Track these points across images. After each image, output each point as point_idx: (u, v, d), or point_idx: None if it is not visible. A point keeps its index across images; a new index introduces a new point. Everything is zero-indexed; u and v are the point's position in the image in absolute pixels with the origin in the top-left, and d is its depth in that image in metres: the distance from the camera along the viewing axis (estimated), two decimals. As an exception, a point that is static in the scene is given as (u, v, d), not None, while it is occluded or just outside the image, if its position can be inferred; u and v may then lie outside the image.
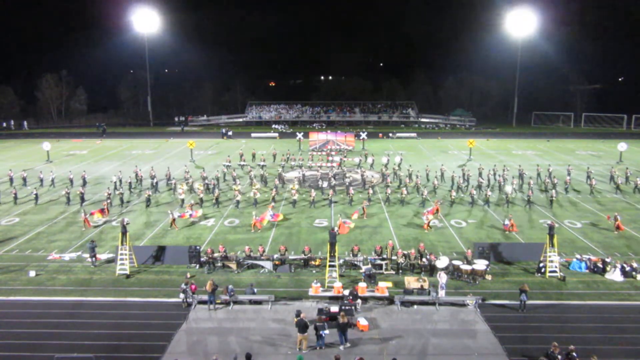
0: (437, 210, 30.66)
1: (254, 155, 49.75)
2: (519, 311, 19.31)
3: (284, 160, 48.39)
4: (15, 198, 35.10)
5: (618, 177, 39.00)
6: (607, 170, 42.13)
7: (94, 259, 23.94)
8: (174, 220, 29.57)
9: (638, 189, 37.27)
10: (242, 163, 47.05)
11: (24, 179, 40.58)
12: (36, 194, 35.33)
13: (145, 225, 30.18)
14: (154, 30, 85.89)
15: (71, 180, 39.42)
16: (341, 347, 16.82)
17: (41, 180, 40.15)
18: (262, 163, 47.08)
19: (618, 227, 28.58)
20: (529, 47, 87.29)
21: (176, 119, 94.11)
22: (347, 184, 37.72)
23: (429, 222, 29.23)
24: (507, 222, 29.06)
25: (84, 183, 39.35)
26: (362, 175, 41.26)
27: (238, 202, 34.02)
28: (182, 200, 34.28)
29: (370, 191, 35.40)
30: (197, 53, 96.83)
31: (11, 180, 40.25)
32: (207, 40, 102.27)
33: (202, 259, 23.75)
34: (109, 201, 33.10)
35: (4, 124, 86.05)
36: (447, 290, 20.31)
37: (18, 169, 43.82)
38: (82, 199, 34.94)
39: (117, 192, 35.79)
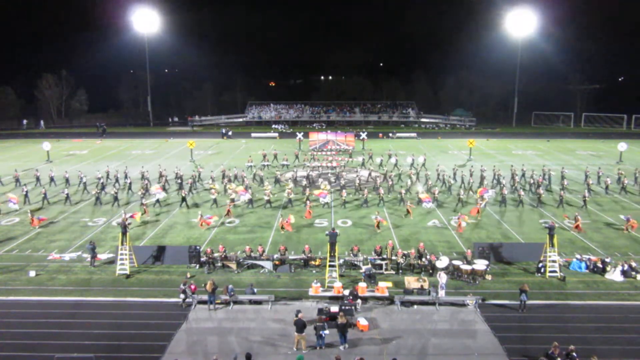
0: (478, 211, 31.10)
1: (275, 156, 49.92)
2: (519, 311, 19.31)
3: (306, 160, 48.53)
4: (45, 197, 34.67)
5: (589, 177, 38.84)
6: (583, 171, 41.53)
7: (93, 260, 23.93)
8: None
9: (608, 188, 37.28)
10: (265, 163, 47.08)
11: (52, 178, 39.85)
12: (67, 194, 35.09)
13: (144, 225, 30.18)
14: (154, 30, 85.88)
15: (99, 180, 38.54)
16: (341, 348, 16.82)
17: (67, 180, 39.57)
18: (285, 162, 47.13)
19: (577, 228, 28.40)
20: (529, 47, 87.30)
21: (170, 119, 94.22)
22: (341, 185, 37.54)
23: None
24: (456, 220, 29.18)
25: (116, 181, 39.07)
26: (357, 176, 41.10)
27: (269, 202, 33.85)
28: (215, 200, 34.00)
29: (366, 192, 34.89)
30: (197, 53, 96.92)
31: (37, 179, 39.96)
32: (207, 40, 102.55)
33: (202, 259, 23.76)
34: (144, 200, 32.67)
35: (23, 123, 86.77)
36: (447, 290, 20.31)
37: (36, 169, 43.22)
38: (116, 199, 34.45)
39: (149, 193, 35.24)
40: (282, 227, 28.62)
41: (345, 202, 34.25)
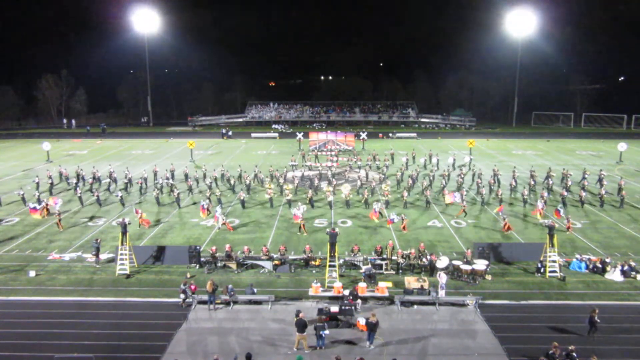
0: (540, 213, 30.51)
1: (316, 157, 50.03)
2: (587, 335, 17.59)
3: (351, 161, 48.36)
4: (99, 200, 34.29)
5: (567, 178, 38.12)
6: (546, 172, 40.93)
7: (96, 258, 23.94)
8: (58, 220, 29.30)
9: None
10: (307, 164, 47.23)
11: (95, 178, 39.36)
12: (121, 196, 34.70)
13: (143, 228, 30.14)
14: (154, 30, 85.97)
15: (157, 177, 38.22)
16: (372, 347, 16.79)
17: (77, 178, 39.41)
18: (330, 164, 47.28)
19: (506, 227, 28.28)
20: (529, 47, 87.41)
21: (143, 119, 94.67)
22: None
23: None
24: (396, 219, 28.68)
25: (114, 181, 38.58)
26: (366, 175, 41.20)
27: (331, 203, 33.54)
28: (271, 200, 33.80)
29: (367, 193, 34.64)
30: (197, 53, 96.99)
31: (83, 179, 39.65)
32: (207, 40, 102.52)
33: (202, 259, 23.74)
34: (208, 202, 32.22)
35: (64, 122, 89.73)
36: (447, 290, 20.31)
37: (86, 169, 42.58)
38: (178, 200, 33.74)
39: (217, 194, 34.56)
40: (225, 225, 28.61)
41: (407, 203, 33.88)
